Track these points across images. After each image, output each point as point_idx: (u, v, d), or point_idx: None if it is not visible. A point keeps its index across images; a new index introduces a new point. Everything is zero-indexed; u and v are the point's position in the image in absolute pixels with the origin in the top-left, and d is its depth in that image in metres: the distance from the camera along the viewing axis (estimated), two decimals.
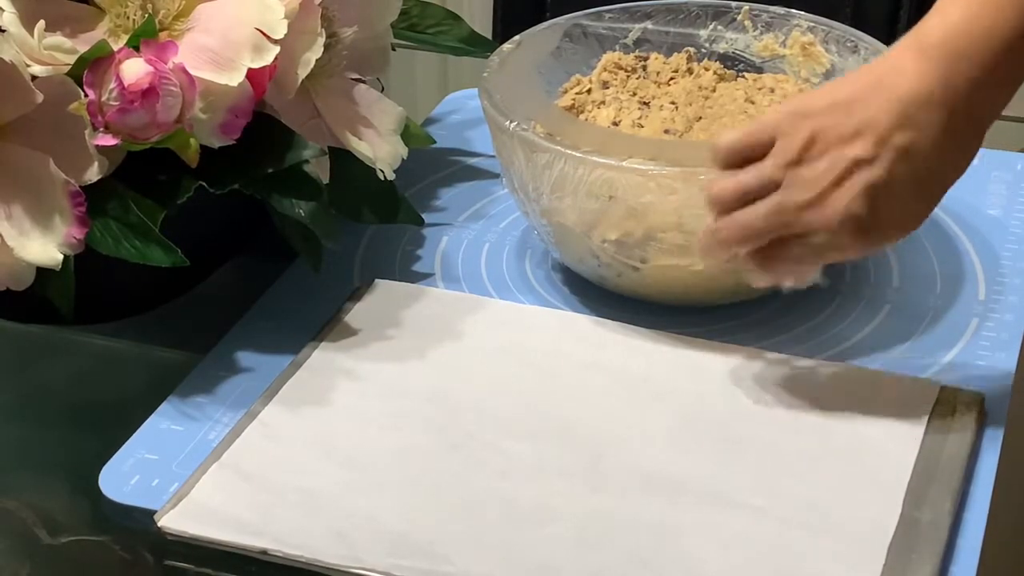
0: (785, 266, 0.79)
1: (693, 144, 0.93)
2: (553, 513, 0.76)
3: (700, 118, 0.96)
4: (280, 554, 0.74)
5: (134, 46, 0.81)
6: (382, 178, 0.92)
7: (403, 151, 0.95)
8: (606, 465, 0.79)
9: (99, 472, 0.80)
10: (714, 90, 0.99)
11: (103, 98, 0.80)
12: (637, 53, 1.03)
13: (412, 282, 0.96)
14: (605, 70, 1.00)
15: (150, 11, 0.83)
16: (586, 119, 0.97)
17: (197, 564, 0.76)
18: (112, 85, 0.79)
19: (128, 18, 0.84)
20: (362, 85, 0.95)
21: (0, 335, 0.93)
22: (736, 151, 0.79)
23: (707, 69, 1.01)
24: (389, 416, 0.83)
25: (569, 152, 0.88)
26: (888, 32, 1.31)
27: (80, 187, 0.80)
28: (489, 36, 1.17)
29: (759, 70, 1.02)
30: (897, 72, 0.75)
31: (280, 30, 0.83)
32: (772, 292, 0.92)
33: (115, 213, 0.82)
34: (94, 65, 0.80)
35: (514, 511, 0.76)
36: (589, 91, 0.99)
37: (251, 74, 0.82)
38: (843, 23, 1.00)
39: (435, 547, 0.74)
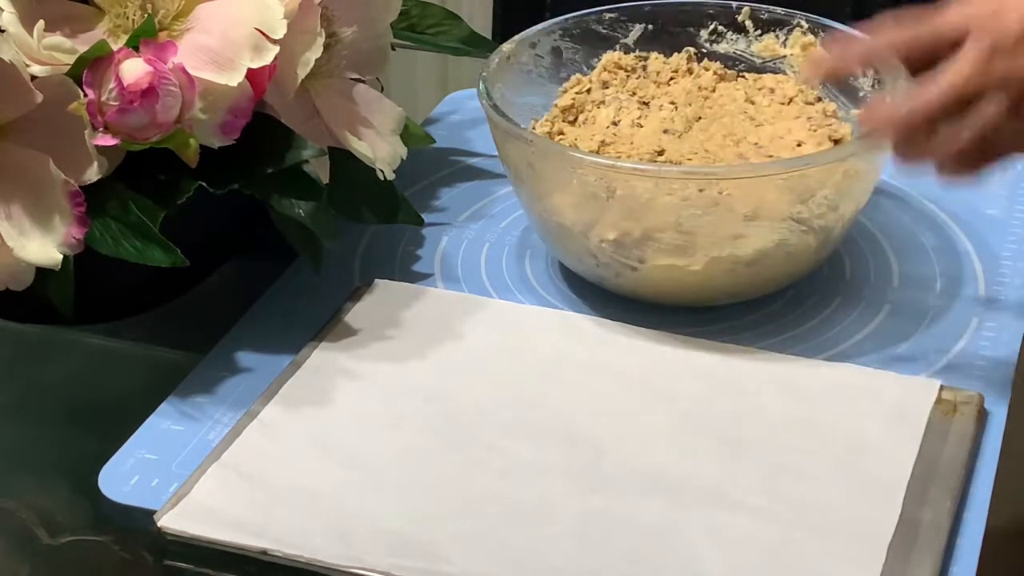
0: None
1: (693, 144, 0.93)
2: (553, 513, 0.76)
3: (700, 118, 0.96)
4: (280, 554, 0.74)
5: (134, 46, 0.81)
6: (382, 178, 0.92)
7: (403, 151, 0.95)
8: (606, 465, 0.79)
9: (99, 472, 0.80)
10: (714, 90, 0.99)
11: (103, 98, 0.79)
12: (637, 53, 1.03)
13: (412, 282, 0.96)
14: (605, 70, 1.01)
15: (150, 11, 0.83)
16: (586, 119, 0.97)
17: (197, 564, 0.76)
18: (112, 85, 0.79)
19: (128, 18, 0.84)
20: (362, 85, 0.95)
21: (0, 335, 0.93)
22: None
23: (707, 69, 1.01)
24: (389, 416, 0.83)
25: (569, 152, 0.88)
26: None
27: (80, 187, 0.80)
28: (489, 36, 1.17)
29: (759, 70, 1.02)
30: None
31: (280, 30, 0.83)
32: (772, 292, 0.93)
33: (115, 213, 0.82)
34: (94, 65, 0.80)
35: (514, 511, 0.76)
36: (589, 91, 0.99)
37: (251, 74, 0.82)
38: (843, 23, 1.00)
39: (435, 547, 0.74)
